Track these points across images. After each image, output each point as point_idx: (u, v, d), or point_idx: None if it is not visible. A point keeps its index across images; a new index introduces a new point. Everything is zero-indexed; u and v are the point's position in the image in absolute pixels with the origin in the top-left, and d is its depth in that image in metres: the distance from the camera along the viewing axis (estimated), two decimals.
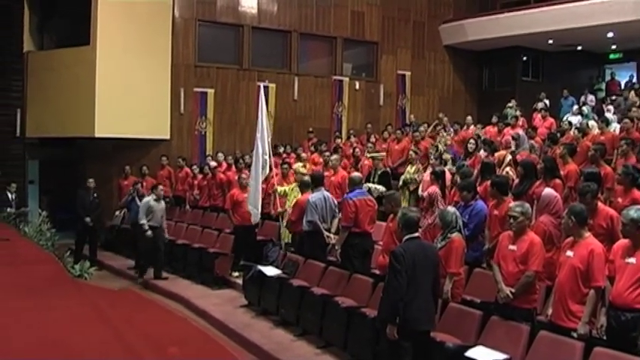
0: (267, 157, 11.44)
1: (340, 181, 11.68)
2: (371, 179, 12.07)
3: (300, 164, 12.28)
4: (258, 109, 11.88)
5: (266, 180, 11.87)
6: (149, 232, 12.00)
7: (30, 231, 12.99)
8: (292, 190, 11.24)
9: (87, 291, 9.12)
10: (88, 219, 13.70)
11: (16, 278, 9.14)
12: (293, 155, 14.93)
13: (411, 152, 12.60)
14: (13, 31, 16.68)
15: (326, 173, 11.92)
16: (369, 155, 13.55)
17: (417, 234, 6.27)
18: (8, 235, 12.09)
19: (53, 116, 15.95)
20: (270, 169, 11.59)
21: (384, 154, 13.76)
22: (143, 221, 12.11)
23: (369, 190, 11.23)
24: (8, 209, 14.70)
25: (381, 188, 11.46)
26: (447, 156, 12.64)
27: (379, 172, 12.19)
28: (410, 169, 12.08)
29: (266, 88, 17.57)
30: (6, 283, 8.76)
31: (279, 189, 11.46)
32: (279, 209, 11.46)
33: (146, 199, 12.44)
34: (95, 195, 14.08)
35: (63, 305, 8.02)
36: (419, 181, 11.60)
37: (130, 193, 13.73)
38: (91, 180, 14.11)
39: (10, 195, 15.04)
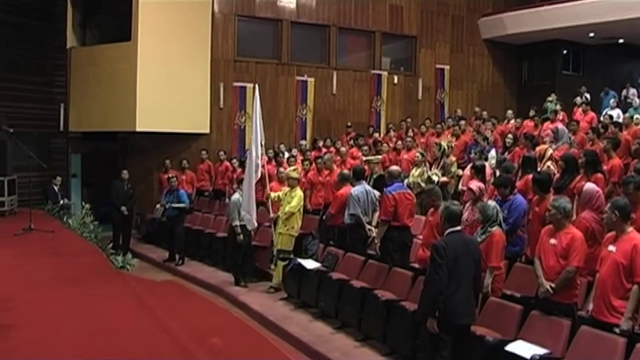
0: (259, 161, 11.20)
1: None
2: (368, 183, 11.63)
3: (292, 168, 12.02)
4: (253, 109, 11.65)
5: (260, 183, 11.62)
6: (240, 237, 11.21)
7: (73, 223, 13.26)
8: (285, 195, 11.00)
9: (130, 282, 9.29)
10: (123, 208, 14.02)
11: (62, 269, 9.37)
12: (332, 149, 14.99)
13: (417, 154, 12.40)
14: (57, 27, 16.95)
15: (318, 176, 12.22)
16: (365, 159, 13.33)
17: (458, 227, 6.27)
18: (53, 228, 12.36)
19: (95, 111, 16.17)
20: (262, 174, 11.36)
21: (380, 157, 13.41)
22: (236, 223, 11.25)
23: None
24: (61, 201, 15.03)
25: (377, 193, 11.02)
26: (452, 158, 12.55)
27: (375, 176, 11.97)
28: (414, 172, 11.95)
29: (304, 82, 17.70)
30: (53, 274, 8.99)
31: (273, 195, 11.19)
32: (272, 215, 11.17)
33: (235, 196, 11.65)
34: (129, 186, 14.41)
35: (107, 295, 8.20)
36: (423, 185, 11.43)
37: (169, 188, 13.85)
38: (125, 171, 14.44)
39: (55, 188, 15.34)
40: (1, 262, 9.74)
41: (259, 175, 11.23)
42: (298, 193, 10.94)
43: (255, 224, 11.12)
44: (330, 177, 12.05)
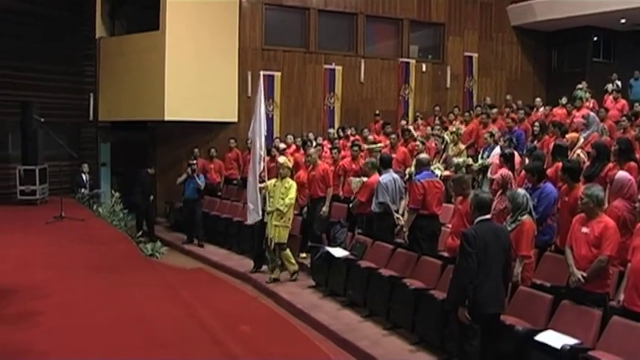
0: (262, 152, 10.86)
1: (322, 174, 11.49)
2: None
3: (285, 158, 11.59)
4: (258, 98, 11.04)
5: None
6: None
7: (103, 211, 13.43)
8: (274, 186, 10.61)
9: (160, 269, 9.40)
10: (152, 197, 14.64)
11: (93, 257, 9.50)
12: (359, 137, 14.98)
13: (418, 143, 12.17)
14: (86, 18, 17.12)
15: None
16: (366, 147, 13.07)
17: (488, 216, 6.24)
18: (83, 216, 12.53)
19: (124, 100, 16.35)
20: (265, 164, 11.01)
21: (382, 144, 13.14)
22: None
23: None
24: (83, 190, 15.20)
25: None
26: (461, 146, 12.33)
27: None
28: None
29: (332, 70, 17.69)
30: (84, 261, 9.12)
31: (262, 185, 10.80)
32: (268, 208, 10.61)
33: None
34: (152, 174, 15.02)
35: (138, 283, 8.31)
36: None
37: (187, 173, 14.19)
38: (152, 169, 15.13)
39: (84, 176, 15.51)
40: (34, 249, 9.92)
41: (262, 167, 10.93)
42: (292, 183, 10.66)
43: (259, 217, 10.71)
44: (315, 172, 11.61)
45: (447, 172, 11.44)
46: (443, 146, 12.31)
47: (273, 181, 10.76)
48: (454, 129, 13.20)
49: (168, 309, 7.09)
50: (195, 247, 13.81)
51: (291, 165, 11.00)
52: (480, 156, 12.08)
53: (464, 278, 5.91)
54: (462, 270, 5.96)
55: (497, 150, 11.76)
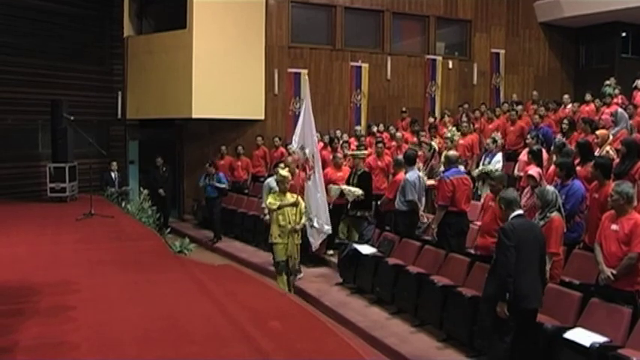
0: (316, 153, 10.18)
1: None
2: (350, 180, 11.38)
3: (284, 171, 10.45)
4: (305, 105, 10.74)
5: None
6: (267, 217, 10.98)
7: (132, 208, 13.53)
8: (281, 200, 9.90)
9: (189, 266, 9.42)
10: (161, 190, 15.10)
11: (122, 253, 9.57)
12: (386, 134, 14.99)
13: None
14: (114, 17, 17.28)
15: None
16: (349, 154, 12.74)
17: (521, 211, 6.25)
18: (112, 213, 12.62)
19: (152, 98, 16.52)
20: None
21: (366, 152, 12.63)
22: (264, 204, 11.03)
23: (342, 193, 10.98)
24: (112, 189, 15.35)
25: (358, 191, 10.86)
26: (453, 153, 12.10)
27: (359, 173, 11.28)
28: None
29: (359, 68, 17.69)
30: (114, 257, 9.19)
31: (270, 201, 10.06)
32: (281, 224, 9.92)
33: (268, 180, 11.87)
34: (164, 169, 15.46)
35: (167, 279, 8.35)
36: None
37: (205, 173, 14.51)
38: (159, 159, 15.54)
39: (113, 174, 15.65)
40: (65, 246, 10.04)
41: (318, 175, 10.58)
42: (297, 197, 9.99)
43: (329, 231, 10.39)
44: (295, 181, 10.88)
45: (430, 182, 10.91)
46: (430, 154, 12.05)
47: (274, 194, 10.12)
48: (449, 134, 12.88)
49: (197, 304, 7.13)
50: (222, 244, 13.98)
51: (285, 173, 10.14)
52: (481, 162, 11.94)
53: (503, 272, 5.90)
54: (501, 264, 5.96)
55: (498, 156, 11.63)
